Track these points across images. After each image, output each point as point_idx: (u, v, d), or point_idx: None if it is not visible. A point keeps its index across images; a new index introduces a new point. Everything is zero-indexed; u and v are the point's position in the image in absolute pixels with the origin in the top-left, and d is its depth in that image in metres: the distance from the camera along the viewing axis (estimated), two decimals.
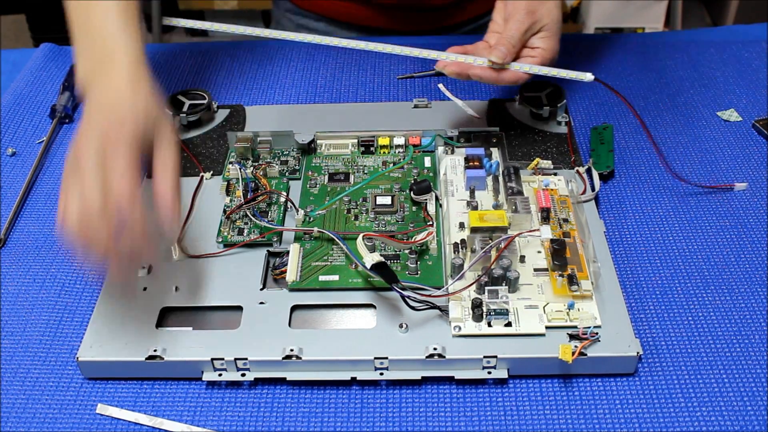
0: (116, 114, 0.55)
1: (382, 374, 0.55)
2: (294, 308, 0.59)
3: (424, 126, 0.76)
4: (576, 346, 0.54)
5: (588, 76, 0.67)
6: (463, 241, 0.61)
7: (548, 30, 0.68)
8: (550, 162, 0.70)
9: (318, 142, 0.74)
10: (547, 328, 0.56)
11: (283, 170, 0.72)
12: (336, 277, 0.61)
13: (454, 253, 0.61)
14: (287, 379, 0.56)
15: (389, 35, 0.97)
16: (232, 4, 2.28)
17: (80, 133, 0.54)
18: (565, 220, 0.64)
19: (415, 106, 0.80)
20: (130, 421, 0.54)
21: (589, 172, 0.70)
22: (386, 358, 0.55)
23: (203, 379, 0.56)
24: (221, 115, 0.80)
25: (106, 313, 0.59)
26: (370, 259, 0.57)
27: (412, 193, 0.66)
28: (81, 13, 0.61)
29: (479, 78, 0.67)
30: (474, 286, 0.58)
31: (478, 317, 0.56)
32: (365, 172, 0.71)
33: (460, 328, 0.56)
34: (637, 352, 0.54)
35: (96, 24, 0.60)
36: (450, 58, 0.68)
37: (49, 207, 0.72)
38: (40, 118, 0.84)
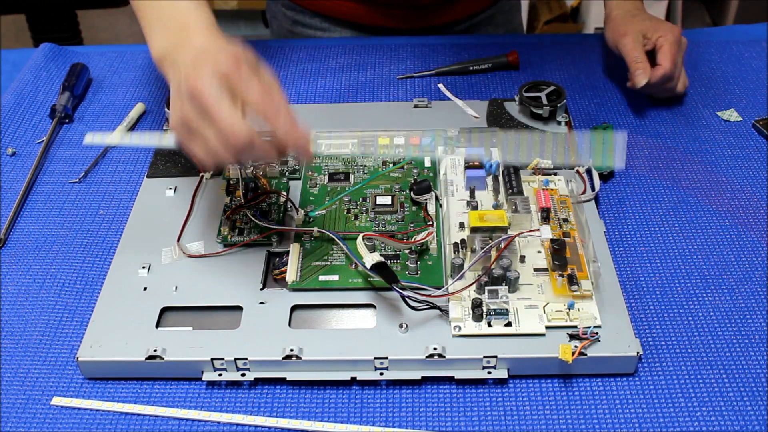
0: (221, 52, 0.54)
1: (382, 374, 0.55)
2: (294, 308, 0.59)
3: (424, 126, 0.76)
4: (576, 346, 0.54)
5: None
6: (463, 241, 0.61)
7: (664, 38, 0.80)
8: (550, 162, 0.70)
9: (318, 142, 0.74)
10: (547, 328, 0.56)
11: (283, 170, 0.72)
12: (336, 277, 0.61)
13: (454, 253, 0.61)
14: (287, 379, 0.56)
15: (383, 33, 0.97)
16: (232, 4, 2.28)
17: (193, 78, 0.53)
18: (565, 220, 0.64)
19: (415, 106, 0.80)
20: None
21: (589, 172, 0.70)
22: (386, 358, 0.55)
23: (203, 379, 0.56)
24: None
25: (106, 313, 0.59)
26: (370, 259, 0.57)
27: (412, 193, 0.66)
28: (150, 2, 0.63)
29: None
30: (474, 286, 0.58)
31: (478, 317, 0.56)
32: (365, 172, 0.71)
33: (460, 328, 0.56)
34: (637, 352, 0.54)
35: (166, 7, 0.61)
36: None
37: (49, 207, 0.72)
38: (40, 118, 0.84)
